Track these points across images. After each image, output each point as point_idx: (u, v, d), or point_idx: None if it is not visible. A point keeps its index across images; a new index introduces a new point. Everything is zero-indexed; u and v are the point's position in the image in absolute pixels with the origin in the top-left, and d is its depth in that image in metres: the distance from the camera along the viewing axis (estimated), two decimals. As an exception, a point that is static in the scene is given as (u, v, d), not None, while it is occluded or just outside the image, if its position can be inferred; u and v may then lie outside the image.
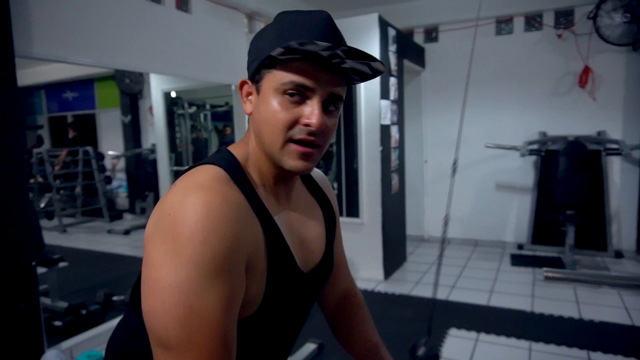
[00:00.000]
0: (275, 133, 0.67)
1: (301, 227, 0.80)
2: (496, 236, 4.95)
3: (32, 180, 6.30)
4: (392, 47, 3.95)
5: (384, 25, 3.79)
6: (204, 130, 7.47)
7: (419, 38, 5.10)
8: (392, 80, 3.98)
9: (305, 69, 0.65)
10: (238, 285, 0.63)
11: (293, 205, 0.80)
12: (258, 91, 0.70)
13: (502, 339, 2.72)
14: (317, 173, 0.95)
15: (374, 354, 0.97)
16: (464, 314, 3.14)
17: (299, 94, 0.65)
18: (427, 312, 3.19)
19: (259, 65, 0.69)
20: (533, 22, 4.61)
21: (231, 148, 0.76)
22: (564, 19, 4.47)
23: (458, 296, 3.46)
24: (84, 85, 8.16)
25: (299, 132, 0.66)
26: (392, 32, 3.93)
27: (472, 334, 2.80)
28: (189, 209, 0.59)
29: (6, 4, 2.19)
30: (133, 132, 7.17)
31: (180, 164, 5.71)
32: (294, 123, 0.66)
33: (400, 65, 4.19)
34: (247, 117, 0.76)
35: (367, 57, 0.64)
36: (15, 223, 2.13)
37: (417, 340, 0.97)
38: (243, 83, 0.74)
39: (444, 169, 5.03)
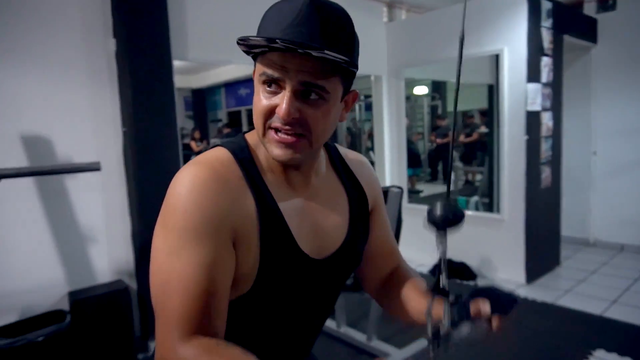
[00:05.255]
0: (259, 121, 0.71)
1: (317, 215, 0.79)
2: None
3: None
4: (547, 22, 3.46)
5: (534, -2, 3.34)
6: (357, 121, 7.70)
7: (589, 8, 4.36)
8: (546, 60, 3.50)
9: (273, 61, 0.66)
10: (223, 254, 0.66)
11: (312, 192, 0.80)
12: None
13: (666, 372, 2.22)
14: (354, 157, 0.92)
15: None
16: (620, 334, 2.64)
17: (275, 84, 0.67)
18: (573, 326, 2.78)
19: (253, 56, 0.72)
20: None
21: (247, 134, 0.80)
22: None
23: (618, 313, 2.92)
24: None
25: (275, 121, 0.68)
26: (546, 5, 3.45)
27: (624, 360, 2.34)
28: (178, 183, 0.67)
29: (165, 14, 2.61)
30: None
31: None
32: (271, 112, 0.68)
33: (558, 42, 3.65)
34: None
35: (307, 47, 0.61)
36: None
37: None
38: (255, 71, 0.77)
39: (619, 162, 4.23)
